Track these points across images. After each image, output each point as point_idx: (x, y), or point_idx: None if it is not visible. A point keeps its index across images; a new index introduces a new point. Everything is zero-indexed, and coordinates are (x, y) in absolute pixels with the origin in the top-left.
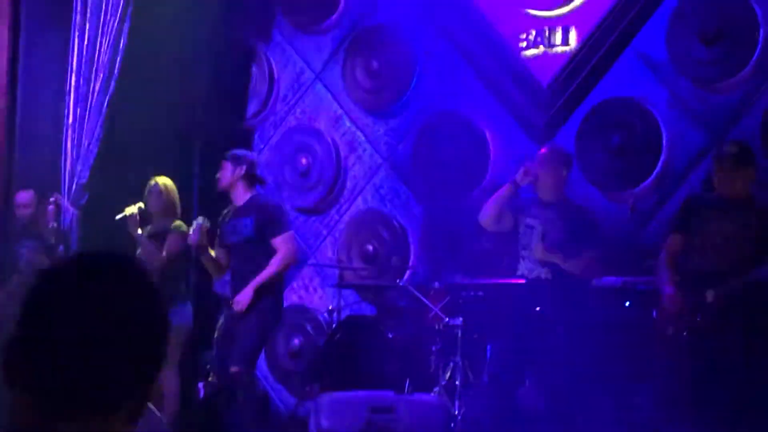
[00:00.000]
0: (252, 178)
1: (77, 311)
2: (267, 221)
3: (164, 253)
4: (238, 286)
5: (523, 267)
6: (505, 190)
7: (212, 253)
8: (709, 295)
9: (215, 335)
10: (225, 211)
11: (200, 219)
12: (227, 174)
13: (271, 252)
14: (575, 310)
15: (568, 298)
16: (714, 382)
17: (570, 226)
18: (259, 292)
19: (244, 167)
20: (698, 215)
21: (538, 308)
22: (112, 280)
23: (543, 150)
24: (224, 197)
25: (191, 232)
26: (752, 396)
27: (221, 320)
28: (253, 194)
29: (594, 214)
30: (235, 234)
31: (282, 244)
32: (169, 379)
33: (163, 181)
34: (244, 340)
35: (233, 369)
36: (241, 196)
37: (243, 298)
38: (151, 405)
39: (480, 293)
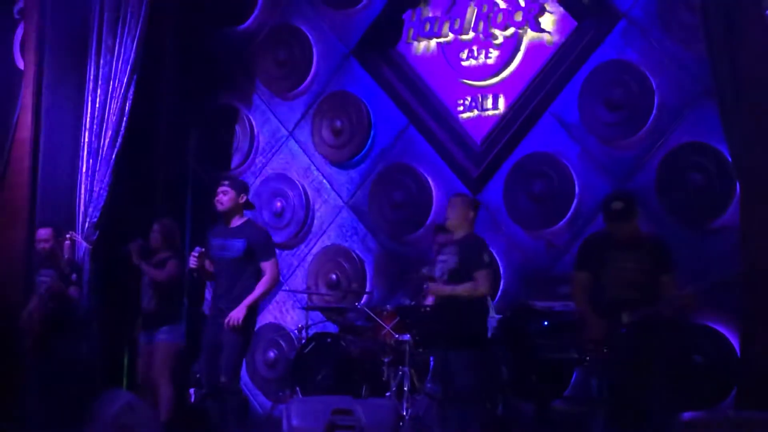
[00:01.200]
0: (247, 204)
1: None
2: (260, 246)
3: (165, 276)
4: (221, 297)
5: (428, 300)
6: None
7: (209, 271)
8: (625, 317)
9: (202, 347)
10: (215, 228)
11: (198, 248)
12: (229, 198)
13: (254, 271)
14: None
15: (491, 318)
16: (622, 393)
17: (463, 257)
18: (236, 302)
19: (245, 196)
20: (598, 254)
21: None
22: None
23: (453, 196)
24: (211, 222)
25: (191, 257)
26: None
27: (204, 332)
28: (247, 219)
29: (482, 242)
30: (224, 251)
31: (270, 267)
32: (163, 387)
33: (164, 220)
34: (230, 353)
35: (223, 380)
36: (236, 219)
37: (238, 315)
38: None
39: (424, 314)
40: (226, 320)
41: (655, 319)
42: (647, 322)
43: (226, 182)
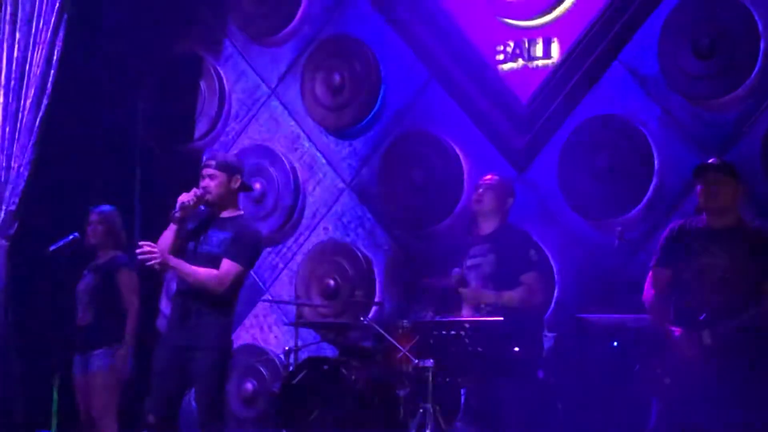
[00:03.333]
0: (243, 187)
1: None
2: (237, 244)
3: (122, 291)
4: (179, 316)
5: (463, 312)
6: None
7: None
8: (706, 337)
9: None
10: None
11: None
12: (219, 185)
13: None
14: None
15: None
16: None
17: (502, 258)
18: (203, 318)
19: (240, 178)
20: (685, 247)
21: (516, 348)
22: None
23: (486, 179)
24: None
25: (187, 193)
26: None
27: (157, 354)
28: (242, 215)
29: (527, 236)
30: (205, 244)
31: (228, 268)
32: (106, 429)
33: (105, 209)
34: (203, 392)
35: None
36: (229, 212)
37: (166, 258)
38: None
39: (453, 332)
40: (139, 251)
41: (751, 335)
42: (739, 337)
43: (212, 162)
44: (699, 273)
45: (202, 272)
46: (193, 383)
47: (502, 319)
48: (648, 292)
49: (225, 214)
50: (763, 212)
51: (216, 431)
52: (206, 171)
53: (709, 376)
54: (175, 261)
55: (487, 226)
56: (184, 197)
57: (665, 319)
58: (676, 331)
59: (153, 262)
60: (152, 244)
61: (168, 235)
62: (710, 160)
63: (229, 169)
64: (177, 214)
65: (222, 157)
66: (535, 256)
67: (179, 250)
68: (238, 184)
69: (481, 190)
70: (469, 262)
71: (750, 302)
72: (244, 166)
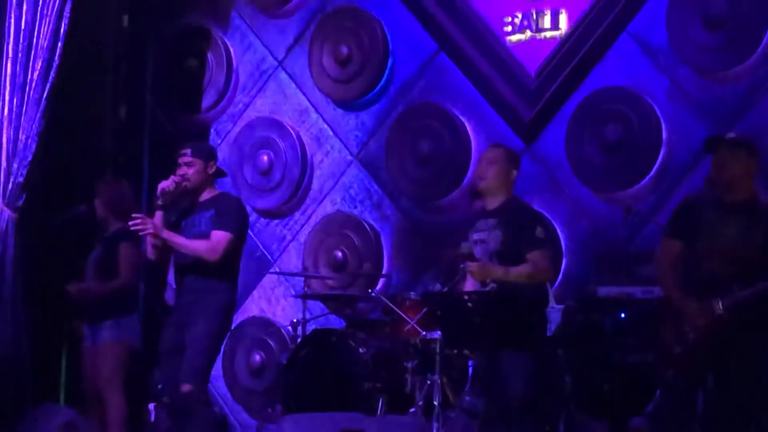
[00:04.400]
0: (218, 173)
1: None
2: (222, 214)
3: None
4: (183, 289)
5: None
6: None
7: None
8: (717, 306)
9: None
10: (178, 207)
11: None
12: (196, 171)
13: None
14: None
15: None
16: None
17: (508, 234)
18: (205, 293)
19: (214, 164)
20: (697, 219)
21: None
22: None
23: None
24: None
25: (167, 180)
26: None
27: (165, 331)
28: (220, 192)
29: (534, 214)
30: (193, 228)
31: (218, 237)
32: (111, 402)
33: (113, 181)
34: (193, 353)
35: (184, 388)
36: (207, 193)
37: (157, 227)
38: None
39: (460, 304)
40: (132, 223)
41: (763, 306)
42: (750, 308)
43: (188, 150)
44: (710, 244)
45: (195, 243)
46: (186, 345)
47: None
48: (658, 261)
49: (204, 197)
50: None
51: (197, 394)
52: (183, 159)
53: (720, 346)
54: (167, 233)
55: (494, 201)
56: (164, 184)
57: (675, 289)
58: (687, 301)
59: (145, 232)
60: (144, 216)
61: (156, 222)
62: (726, 136)
63: (204, 155)
64: (159, 201)
65: (197, 145)
66: (542, 233)
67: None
68: (213, 169)
69: (482, 166)
70: (475, 236)
71: (762, 273)
72: (217, 153)
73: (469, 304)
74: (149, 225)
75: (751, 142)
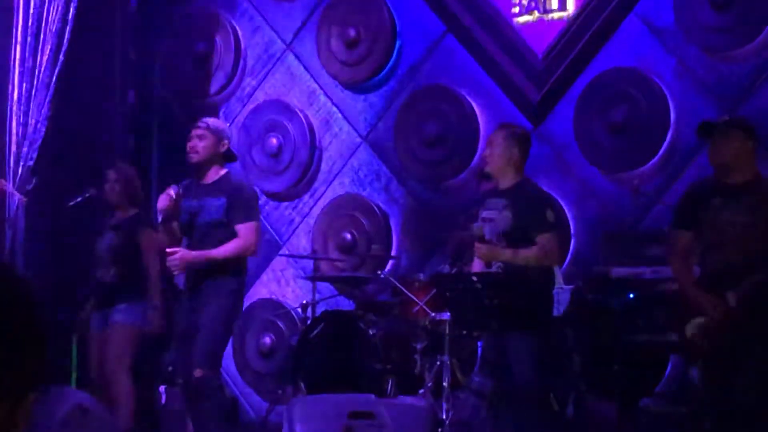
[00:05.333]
0: (228, 154)
1: None
2: (240, 202)
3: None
4: (193, 273)
5: (474, 267)
6: None
7: (175, 229)
8: (731, 299)
9: (174, 333)
10: (184, 183)
11: (175, 186)
12: (208, 146)
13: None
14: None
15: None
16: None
17: (518, 215)
18: (215, 276)
19: (227, 143)
20: (702, 206)
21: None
22: None
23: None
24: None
25: (163, 195)
26: None
27: (178, 316)
28: (226, 173)
29: (544, 195)
30: (199, 214)
31: (246, 232)
32: (119, 384)
33: (122, 166)
34: (206, 337)
35: (197, 373)
36: (213, 172)
37: (185, 257)
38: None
39: (469, 285)
40: (169, 260)
41: None
42: (762, 294)
43: (203, 124)
44: (719, 231)
45: (227, 248)
46: (199, 328)
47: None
48: (669, 254)
49: (210, 178)
50: None
51: (210, 378)
52: (196, 132)
53: (736, 337)
54: (194, 254)
55: (505, 181)
56: (161, 203)
57: (688, 282)
58: (701, 295)
59: (177, 272)
60: (170, 252)
61: (164, 237)
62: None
63: (218, 132)
64: (161, 216)
65: (213, 121)
66: (552, 216)
67: (176, 233)
68: (224, 148)
69: (486, 149)
70: (484, 214)
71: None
72: (231, 135)
73: (478, 285)
74: (176, 263)
75: (746, 123)
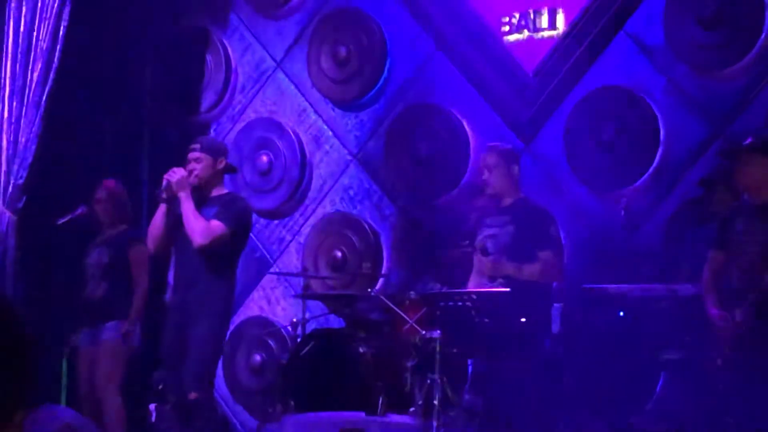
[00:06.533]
0: (227, 169)
1: None
2: (225, 209)
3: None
4: (182, 288)
5: (472, 282)
6: None
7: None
8: (738, 314)
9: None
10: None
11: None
12: (204, 167)
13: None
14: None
15: (549, 308)
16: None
17: (521, 230)
18: (201, 291)
19: (224, 159)
20: (733, 227)
21: (523, 319)
22: None
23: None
24: None
25: (179, 168)
26: None
27: (165, 332)
28: (228, 192)
29: (547, 213)
30: None
31: (214, 226)
32: (109, 402)
33: (111, 185)
34: (197, 358)
35: (192, 395)
36: (216, 190)
37: (183, 181)
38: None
39: (460, 303)
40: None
41: None
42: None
43: (197, 146)
44: (741, 251)
45: (198, 221)
46: (189, 348)
47: (509, 290)
48: (704, 272)
49: (213, 194)
50: None
51: (205, 398)
52: (192, 155)
53: (743, 354)
54: (186, 195)
55: (506, 198)
56: (175, 174)
57: (708, 299)
58: (712, 311)
59: (175, 178)
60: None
61: (158, 217)
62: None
63: (214, 151)
64: (163, 195)
65: (207, 140)
66: (554, 233)
67: (170, 234)
68: (222, 165)
69: (485, 174)
70: (486, 232)
71: None
72: (228, 149)
73: (468, 304)
74: (178, 174)
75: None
